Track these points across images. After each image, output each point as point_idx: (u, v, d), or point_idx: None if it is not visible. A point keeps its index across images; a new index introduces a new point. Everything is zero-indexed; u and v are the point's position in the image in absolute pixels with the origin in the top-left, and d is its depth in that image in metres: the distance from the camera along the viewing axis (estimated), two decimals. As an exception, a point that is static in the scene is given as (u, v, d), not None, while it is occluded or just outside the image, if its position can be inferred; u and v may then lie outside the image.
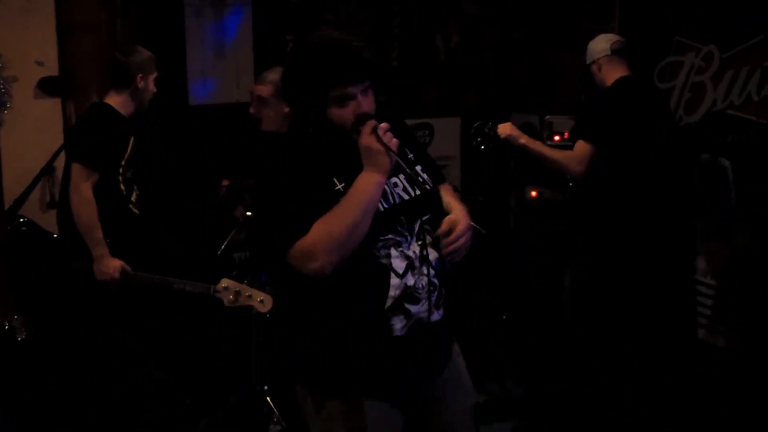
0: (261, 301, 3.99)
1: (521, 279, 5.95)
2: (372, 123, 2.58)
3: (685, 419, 4.56)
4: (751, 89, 5.12)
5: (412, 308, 2.68)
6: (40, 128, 5.52)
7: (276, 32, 6.41)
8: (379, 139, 2.54)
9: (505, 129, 4.63)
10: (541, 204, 5.99)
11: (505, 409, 5.16)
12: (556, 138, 5.80)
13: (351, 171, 2.61)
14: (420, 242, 2.69)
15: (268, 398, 4.63)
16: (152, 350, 5.14)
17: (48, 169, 5.47)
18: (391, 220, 2.66)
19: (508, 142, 4.61)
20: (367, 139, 2.56)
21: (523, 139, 4.63)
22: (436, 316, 2.74)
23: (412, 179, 2.70)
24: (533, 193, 6.04)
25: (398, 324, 2.66)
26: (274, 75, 4.87)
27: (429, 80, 7.02)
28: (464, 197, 6.26)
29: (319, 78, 2.58)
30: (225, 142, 5.88)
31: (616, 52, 4.81)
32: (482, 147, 4.64)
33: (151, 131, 5.51)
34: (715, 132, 5.29)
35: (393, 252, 2.64)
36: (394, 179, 2.71)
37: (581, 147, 4.55)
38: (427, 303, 2.70)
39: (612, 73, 4.83)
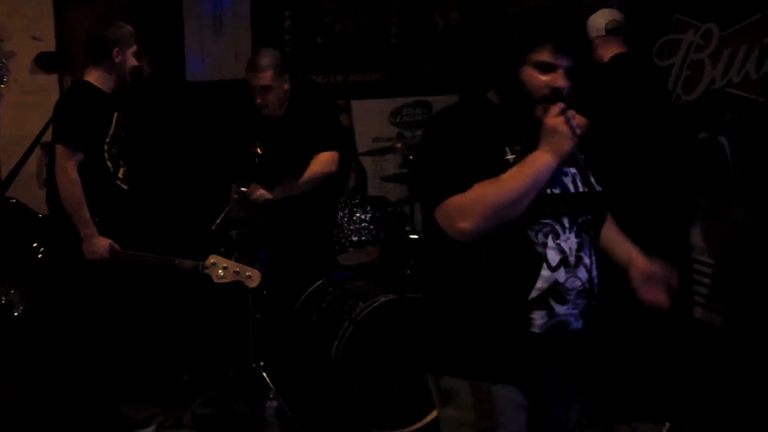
0: (249, 276, 4.00)
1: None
2: (561, 104, 2.50)
3: (681, 398, 4.58)
4: (749, 67, 5.09)
5: (557, 307, 2.56)
6: (37, 103, 5.48)
7: (274, 8, 6.37)
8: (568, 122, 2.47)
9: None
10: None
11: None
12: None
13: (524, 144, 2.54)
14: (578, 239, 2.59)
15: (264, 374, 4.63)
16: (149, 328, 5.15)
17: (45, 146, 5.44)
18: (554, 207, 2.56)
19: None
20: (554, 119, 2.48)
21: None
22: (578, 324, 2.60)
23: (584, 174, 2.59)
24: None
25: (539, 320, 2.55)
26: (267, 59, 4.89)
27: (427, 57, 6.98)
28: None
29: (532, 30, 2.53)
30: (222, 119, 5.87)
31: (611, 31, 4.80)
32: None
33: (142, 106, 5.49)
34: (714, 110, 5.28)
35: (549, 242, 2.55)
36: (565, 168, 2.60)
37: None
38: (573, 306, 2.58)
39: (608, 51, 4.82)
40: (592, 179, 2.62)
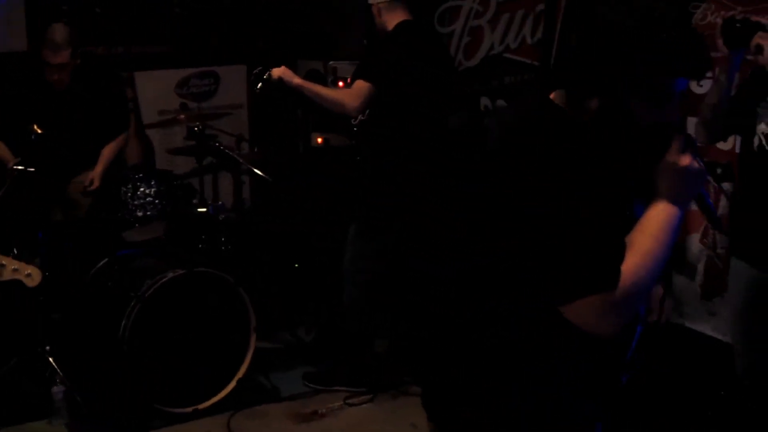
0: (28, 275, 3.82)
1: (311, 227, 5.98)
2: (683, 138, 1.99)
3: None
4: (525, 33, 5.26)
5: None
6: None
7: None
8: (698, 158, 1.99)
9: (278, 71, 4.60)
10: (327, 150, 6.02)
11: (296, 356, 5.21)
12: (340, 84, 5.81)
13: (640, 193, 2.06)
14: None
15: (50, 359, 4.46)
16: None
17: None
18: None
19: (283, 83, 4.58)
20: (683, 158, 1.97)
21: (297, 80, 4.62)
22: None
23: (712, 219, 2.24)
24: (319, 140, 6.05)
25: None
26: (65, 36, 4.77)
27: (214, 27, 6.87)
28: (252, 145, 6.27)
29: (665, 59, 1.95)
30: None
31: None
32: (257, 89, 4.60)
33: None
34: (493, 75, 5.43)
35: None
36: None
37: (359, 84, 4.56)
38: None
39: (393, 18, 4.84)
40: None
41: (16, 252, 3.98)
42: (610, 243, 1.92)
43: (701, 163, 1.99)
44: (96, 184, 5.07)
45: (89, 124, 5.16)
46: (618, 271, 1.89)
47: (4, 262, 3.82)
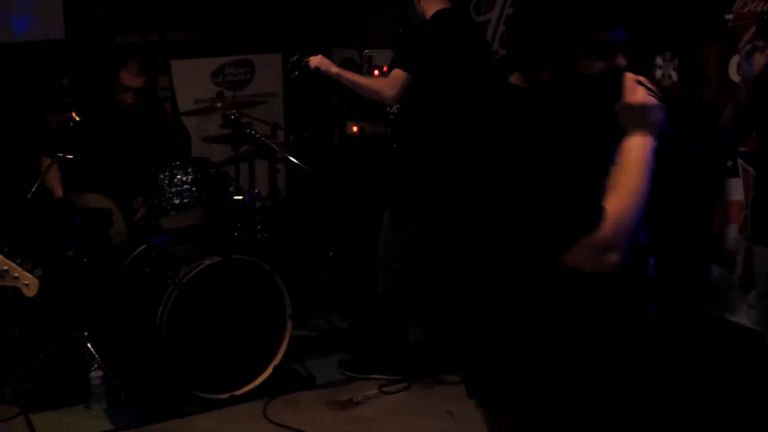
0: (26, 284, 3.79)
1: (346, 215, 5.99)
2: (631, 76, 2.13)
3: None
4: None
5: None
6: None
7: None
8: (652, 92, 2.12)
9: (315, 60, 4.60)
10: (362, 139, 6.01)
11: (331, 343, 5.22)
12: (376, 72, 5.80)
13: (611, 139, 2.16)
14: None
15: (88, 344, 4.50)
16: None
17: None
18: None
19: (320, 72, 4.58)
20: (636, 95, 2.11)
21: (334, 68, 4.62)
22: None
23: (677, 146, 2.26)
24: (354, 128, 6.04)
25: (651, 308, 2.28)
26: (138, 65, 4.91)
27: (248, 15, 6.88)
28: (288, 133, 6.28)
29: (587, 14, 2.08)
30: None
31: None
32: (294, 77, 4.61)
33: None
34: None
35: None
36: None
37: (396, 73, 4.56)
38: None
39: (431, 6, 4.83)
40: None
41: (19, 260, 3.97)
42: (588, 188, 2.05)
43: (656, 95, 2.12)
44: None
45: (146, 145, 5.28)
46: (600, 210, 2.02)
47: (6, 267, 3.78)
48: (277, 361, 4.57)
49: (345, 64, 6.01)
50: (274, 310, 4.58)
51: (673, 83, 4.73)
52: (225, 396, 4.47)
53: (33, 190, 4.61)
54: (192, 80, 6.64)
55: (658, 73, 4.77)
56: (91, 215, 4.87)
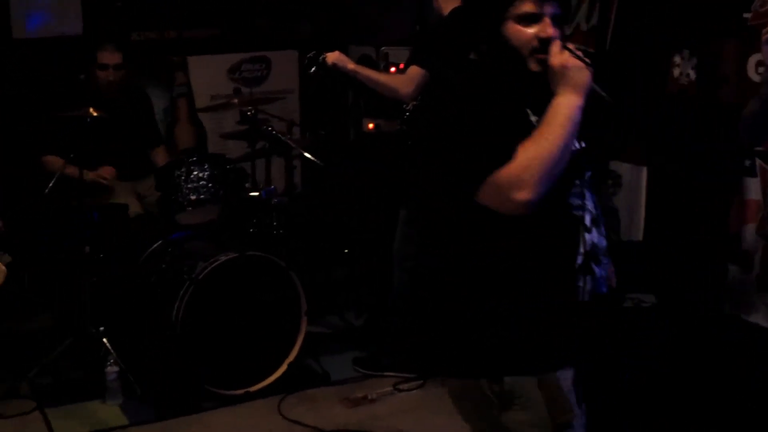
0: None
1: (362, 212, 5.99)
2: (558, 42, 2.26)
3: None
4: (580, 19, 5.23)
5: (597, 270, 2.37)
6: None
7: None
8: (575, 54, 2.25)
9: (332, 56, 4.60)
10: (378, 136, 6.01)
11: (346, 340, 5.22)
12: (392, 69, 5.79)
13: (540, 103, 2.28)
14: (592, 196, 2.40)
15: (104, 339, 4.52)
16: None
17: None
18: (578, 163, 2.34)
19: (337, 68, 4.58)
20: (559, 58, 2.24)
21: (351, 65, 4.62)
22: (604, 288, 2.42)
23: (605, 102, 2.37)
24: (370, 125, 6.04)
25: (587, 286, 2.35)
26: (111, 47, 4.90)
27: (264, 11, 6.89)
28: (304, 130, 6.28)
29: None
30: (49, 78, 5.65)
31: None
32: (311, 72, 4.61)
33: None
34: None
35: (581, 202, 2.36)
36: None
37: (413, 70, 4.55)
38: (603, 268, 2.39)
39: (448, 3, 4.82)
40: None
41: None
42: (513, 142, 2.21)
43: (582, 59, 2.25)
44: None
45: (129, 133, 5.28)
46: (512, 152, 2.19)
47: None
48: (292, 357, 4.58)
49: (362, 60, 6.00)
50: (290, 307, 4.59)
51: (691, 82, 4.71)
52: (240, 392, 4.48)
53: (50, 185, 4.65)
54: (209, 77, 6.65)
55: (677, 71, 4.76)
56: (107, 211, 4.89)
